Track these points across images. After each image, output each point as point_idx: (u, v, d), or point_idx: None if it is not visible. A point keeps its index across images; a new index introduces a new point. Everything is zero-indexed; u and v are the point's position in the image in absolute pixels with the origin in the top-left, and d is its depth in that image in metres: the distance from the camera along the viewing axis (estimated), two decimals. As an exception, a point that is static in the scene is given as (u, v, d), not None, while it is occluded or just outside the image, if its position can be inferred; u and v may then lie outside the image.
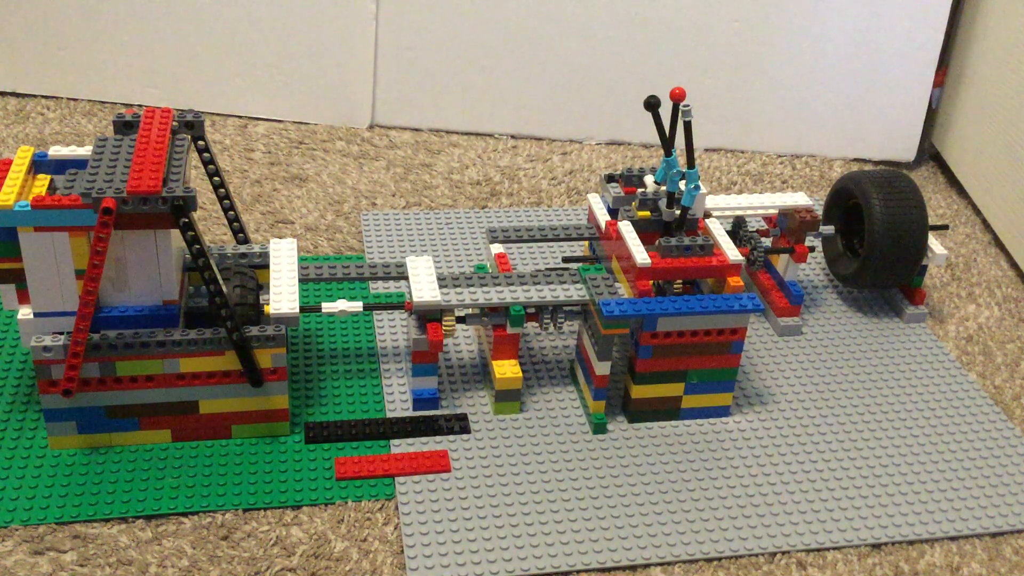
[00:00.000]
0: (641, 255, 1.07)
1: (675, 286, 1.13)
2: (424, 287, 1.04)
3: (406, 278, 1.08)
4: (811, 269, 1.39)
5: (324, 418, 1.06)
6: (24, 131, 1.59)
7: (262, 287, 1.06)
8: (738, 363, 1.08)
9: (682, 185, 1.10)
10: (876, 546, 0.97)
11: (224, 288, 0.96)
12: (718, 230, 1.12)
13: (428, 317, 1.04)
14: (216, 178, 1.09)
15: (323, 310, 1.05)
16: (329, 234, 1.39)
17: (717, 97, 1.67)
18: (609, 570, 0.92)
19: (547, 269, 1.11)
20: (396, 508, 0.96)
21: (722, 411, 1.10)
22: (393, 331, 1.20)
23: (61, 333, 0.95)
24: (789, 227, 1.25)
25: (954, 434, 1.10)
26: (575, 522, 0.96)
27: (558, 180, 1.58)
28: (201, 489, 0.96)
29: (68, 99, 1.68)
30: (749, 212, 1.26)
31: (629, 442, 1.06)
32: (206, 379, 0.98)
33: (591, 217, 1.22)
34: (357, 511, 0.96)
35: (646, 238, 1.11)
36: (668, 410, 1.09)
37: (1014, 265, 1.44)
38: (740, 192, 1.59)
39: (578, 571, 0.92)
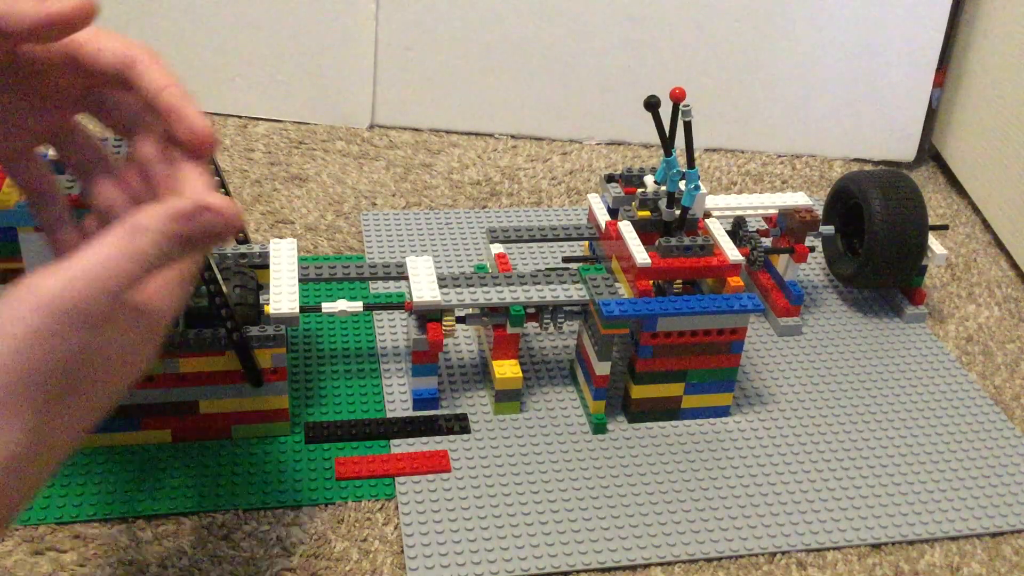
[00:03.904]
0: (641, 255, 1.07)
1: (675, 286, 1.13)
2: (424, 287, 1.04)
3: (406, 278, 1.08)
4: (811, 269, 1.39)
5: (324, 418, 1.06)
6: (24, 131, 1.59)
7: (262, 287, 1.06)
8: (738, 363, 1.08)
9: (682, 185, 1.10)
10: (876, 546, 0.97)
11: (224, 288, 0.96)
12: (718, 230, 1.12)
13: (428, 317, 1.04)
14: (216, 178, 1.09)
15: (323, 310, 1.05)
16: (329, 234, 1.39)
17: (717, 97, 1.67)
18: (609, 570, 0.92)
19: (547, 269, 1.11)
20: (396, 508, 0.96)
21: (722, 411, 1.10)
22: (393, 331, 1.20)
23: (61, 333, 0.95)
24: (789, 227, 1.25)
25: (954, 434, 1.10)
26: (575, 522, 0.96)
27: (558, 180, 1.57)
28: (201, 489, 0.96)
29: (68, 99, 1.68)
30: (749, 212, 1.26)
31: (629, 442, 1.06)
32: (206, 379, 0.98)
33: (591, 217, 1.22)
34: (357, 511, 0.96)
35: (646, 238, 1.11)
36: (668, 410, 1.09)
37: (1014, 265, 1.44)
38: (740, 192, 1.59)
39: (578, 571, 0.92)
